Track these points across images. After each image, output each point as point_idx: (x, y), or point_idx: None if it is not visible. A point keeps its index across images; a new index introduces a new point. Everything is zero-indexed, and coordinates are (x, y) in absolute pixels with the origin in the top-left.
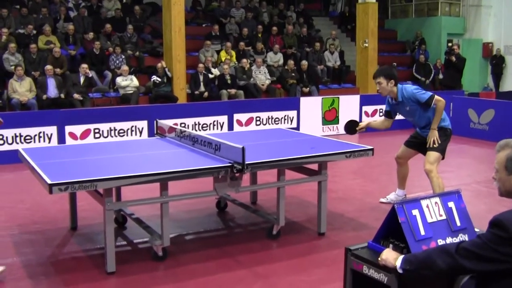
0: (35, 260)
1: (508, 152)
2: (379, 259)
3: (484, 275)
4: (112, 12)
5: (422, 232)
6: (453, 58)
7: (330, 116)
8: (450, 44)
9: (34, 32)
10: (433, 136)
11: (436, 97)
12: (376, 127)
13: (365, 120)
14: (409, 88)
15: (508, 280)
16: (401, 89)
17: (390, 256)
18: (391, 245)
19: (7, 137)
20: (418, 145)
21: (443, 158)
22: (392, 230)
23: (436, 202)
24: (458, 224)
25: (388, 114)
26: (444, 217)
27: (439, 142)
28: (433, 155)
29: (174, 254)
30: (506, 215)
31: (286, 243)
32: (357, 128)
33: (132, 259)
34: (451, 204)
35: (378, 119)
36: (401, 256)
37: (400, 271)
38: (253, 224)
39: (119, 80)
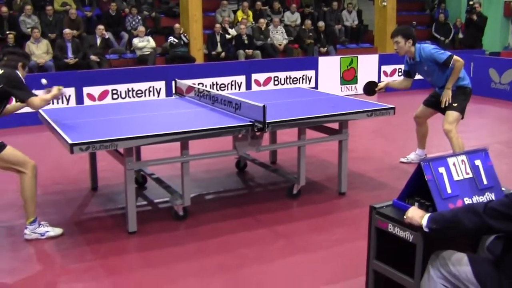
0: (57, 220)
1: None
2: (404, 217)
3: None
4: None
5: (449, 190)
6: (474, 17)
7: (348, 76)
8: (471, 2)
9: None
10: (447, 96)
11: (455, 57)
12: (396, 87)
13: (384, 80)
14: (428, 47)
15: None
16: (419, 48)
17: (416, 214)
18: (416, 203)
19: None
20: (437, 104)
21: (462, 118)
22: (418, 188)
23: (462, 160)
24: (485, 182)
25: (407, 74)
26: (470, 175)
27: (455, 101)
28: (452, 114)
29: (194, 214)
30: None
31: (307, 202)
32: (376, 89)
33: (153, 219)
34: (477, 162)
35: (398, 78)
36: (427, 215)
37: (426, 229)
38: (273, 184)
39: (135, 41)
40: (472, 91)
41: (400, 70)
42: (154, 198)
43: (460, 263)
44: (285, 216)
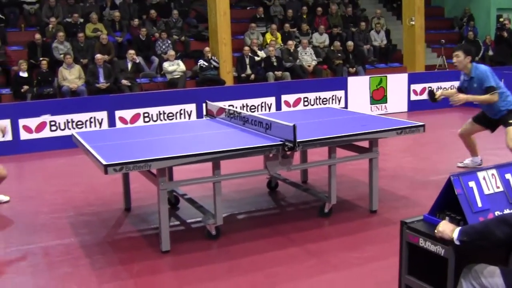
0: (91, 240)
1: None
2: (435, 231)
3: None
4: None
5: (479, 204)
6: (505, 33)
7: (378, 95)
8: (501, 19)
9: (81, 20)
10: (457, 99)
11: (495, 93)
12: (448, 96)
13: (440, 91)
14: (483, 67)
15: None
16: (475, 66)
17: (447, 228)
18: (447, 218)
19: (59, 123)
20: (486, 122)
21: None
22: (448, 203)
23: (493, 174)
24: None
25: (460, 90)
26: (501, 188)
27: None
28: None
29: (227, 233)
30: None
31: (338, 221)
32: (435, 97)
33: (185, 238)
34: (508, 176)
35: (451, 90)
36: (458, 228)
37: (457, 242)
38: (304, 203)
39: (166, 65)
40: None
41: (430, 87)
42: (186, 218)
43: (492, 276)
44: (316, 235)
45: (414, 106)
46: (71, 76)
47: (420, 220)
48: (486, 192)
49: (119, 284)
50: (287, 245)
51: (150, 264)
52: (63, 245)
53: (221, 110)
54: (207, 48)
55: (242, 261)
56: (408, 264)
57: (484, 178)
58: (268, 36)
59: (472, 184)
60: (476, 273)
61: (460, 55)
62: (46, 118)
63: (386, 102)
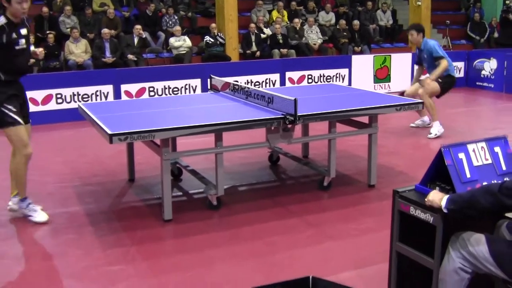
0: (95, 209)
1: None
2: (425, 200)
3: None
4: None
5: (468, 175)
6: (510, 16)
7: (382, 74)
8: (507, 2)
9: None
10: (428, 80)
11: (444, 60)
12: (418, 78)
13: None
14: (431, 42)
15: None
16: (425, 41)
17: (436, 197)
18: (437, 188)
19: (65, 96)
20: None
21: (437, 96)
22: (439, 173)
23: (482, 147)
24: (504, 168)
25: (418, 61)
26: (490, 161)
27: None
28: (432, 85)
29: (228, 204)
30: None
31: (337, 194)
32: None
33: (187, 208)
34: (497, 149)
35: (416, 73)
36: (446, 196)
37: (445, 210)
38: (304, 177)
39: (172, 40)
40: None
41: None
42: (189, 189)
43: (478, 243)
44: (315, 207)
45: None
46: (78, 50)
47: (411, 190)
48: (475, 163)
49: (121, 250)
50: (286, 216)
51: (152, 232)
52: (68, 213)
53: (226, 85)
54: (213, 25)
55: (242, 230)
56: (399, 232)
57: (473, 150)
58: (275, 14)
59: (461, 155)
60: (464, 241)
61: (413, 34)
62: None
63: (389, 81)
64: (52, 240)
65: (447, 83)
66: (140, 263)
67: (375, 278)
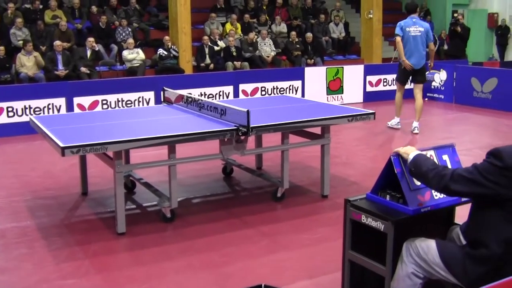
0: (48, 223)
1: None
2: (396, 150)
3: (476, 208)
4: None
5: (417, 182)
6: (458, 28)
7: (334, 86)
8: (455, 15)
9: (41, 7)
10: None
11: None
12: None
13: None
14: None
15: (495, 211)
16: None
17: (410, 149)
18: (388, 196)
19: (17, 109)
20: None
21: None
22: (389, 182)
23: (431, 155)
24: None
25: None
26: None
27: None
28: None
29: (182, 216)
30: (505, 147)
31: (290, 204)
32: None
33: (141, 221)
34: (445, 157)
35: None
36: (415, 153)
37: (408, 164)
38: (258, 188)
39: (125, 53)
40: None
41: (385, 79)
42: (142, 202)
43: (429, 248)
44: (269, 218)
45: (369, 97)
46: (30, 63)
47: (363, 199)
48: None
49: (75, 263)
50: (240, 227)
51: (106, 245)
52: (20, 228)
53: (179, 97)
54: (167, 37)
55: (196, 242)
56: (352, 240)
57: None
58: (228, 26)
59: None
60: (416, 246)
61: None
62: None
63: (342, 93)
64: (3, 255)
65: (398, 71)
66: (93, 276)
67: (329, 287)
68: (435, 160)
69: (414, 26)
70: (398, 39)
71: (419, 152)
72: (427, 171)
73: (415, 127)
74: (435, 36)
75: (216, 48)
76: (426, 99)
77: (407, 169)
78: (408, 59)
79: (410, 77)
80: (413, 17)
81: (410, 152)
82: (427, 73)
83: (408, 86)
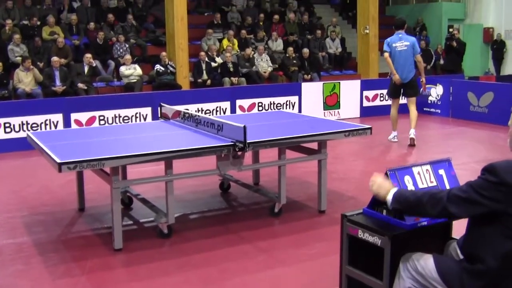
0: (44, 239)
1: None
2: (370, 184)
3: (473, 224)
4: (114, 2)
5: None
6: (454, 43)
7: (331, 101)
8: (451, 30)
9: (38, 23)
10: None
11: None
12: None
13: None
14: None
15: (492, 226)
16: None
17: (383, 188)
18: (384, 211)
19: (14, 125)
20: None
21: (393, 99)
22: None
23: (427, 170)
24: None
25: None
26: (434, 183)
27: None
28: None
29: (179, 232)
30: (500, 162)
31: (288, 220)
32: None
33: (138, 237)
34: (441, 172)
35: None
36: (393, 191)
37: (390, 207)
38: (255, 203)
39: (122, 69)
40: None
41: (381, 94)
42: (139, 218)
43: (426, 263)
44: (267, 233)
45: (366, 112)
46: (27, 79)
47: (359, 214)
48: (420, 186)
49: (71, 280)
50: (238, 242)
51: (103, 261)
52: (16, 244)
53: (176, 113)
54: (164, 53)
55: (193, 258)
56: (349, 255)
57: (418, 173)
58: (225, 42)
59: (407, 178)
60: (413, 261)
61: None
62: None
63: (339, 108)
64: (0, 272)
65: (389, 85)
66: None
67: None
68: (432, 174)
69: (400, 42)
70: (386, 55)
71: (395, 188)
72: (419, 198)
73: (411, 133)
74: (431, 50)
75: (213, 64)
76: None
77: (392, 202)
78: (396, 71)
79: (402, 91)
80: (399, 32)
81: (386, 191)
82: (421, 90)
83: (403, 101)
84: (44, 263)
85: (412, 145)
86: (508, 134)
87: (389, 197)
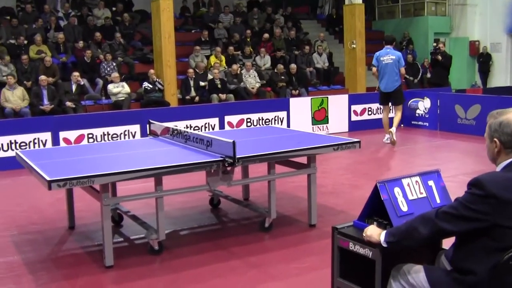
0: (34, 258)
1: (490, 122)
2: (363, 234)
3: (462, 238)
4: (101, 20)
5: (404, 209)
6: (439, 57)
7: (319, 116)
8: (434, 44)
9: (25, 42)
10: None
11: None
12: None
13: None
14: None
15: (481, 240)
16: None
17: (374, 232)
18: (375, 222)
19: (2, 144)
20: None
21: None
22: (376, 208)
23: (416, 181)
24: (438, 201)
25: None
26: (424, 194)
27: None
28: None
29: (169, 248)
30: (484, 175)
31: (278, 234)
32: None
33: (129, 254)
34: (431, 183)
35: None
36: (384, 231)
37: (384, 244)
38: (245, 219)
39: (110, 87)
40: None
41: (369, 108)
42: (130, 235)
43: (417, 273)
44: (257, 248)
45: (354, 126)
46: (14, 98)
47: (350, 226)
48: (410, 197)
49: None
50: (228, 258)
51: (94, 279)
52: (6, 263)
53: (165, 130)
54: (151, 71)
55: (184, 274)
56: (340, 268)
57: (408, 185)
58: (212, 59)
59: (397, 190)
60: (404, 272)
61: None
62: None
63: (327, 123)
64: None
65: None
66: None
67: None
68: (421, 186)
69: (387, 55)
70: (374, 69)
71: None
72: (409, 223)
73: (392, 130)
74: (418, 64)
75: (202, 83)
76: (402, 125)
77: (386, 237)
78: (380, 81)
79: (389, 99)
80: (388, 47)
81: (378, 233)
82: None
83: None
84: (35, 282)
85: (392, 142)
86: (485, 146)
87: (382, 234)
